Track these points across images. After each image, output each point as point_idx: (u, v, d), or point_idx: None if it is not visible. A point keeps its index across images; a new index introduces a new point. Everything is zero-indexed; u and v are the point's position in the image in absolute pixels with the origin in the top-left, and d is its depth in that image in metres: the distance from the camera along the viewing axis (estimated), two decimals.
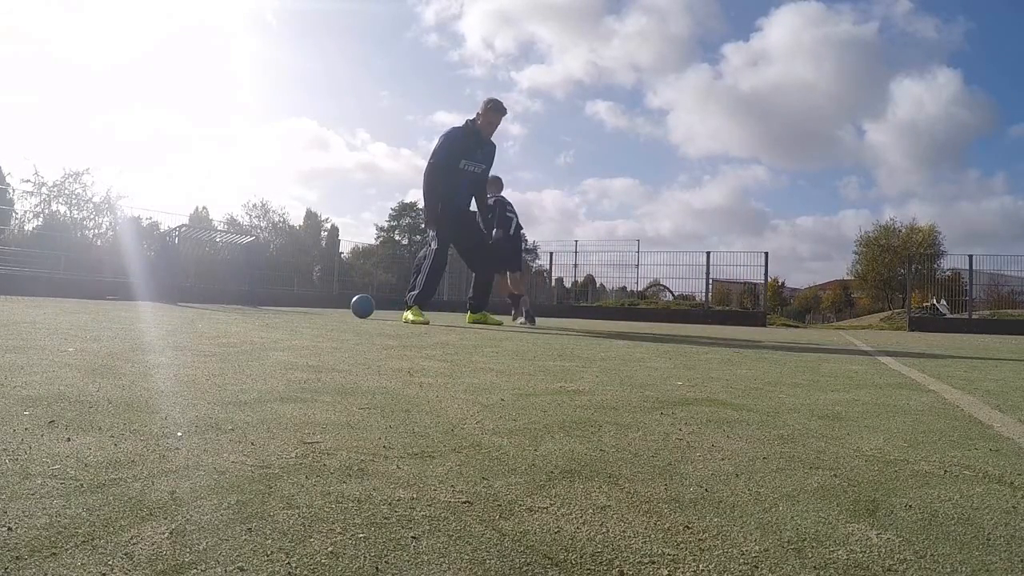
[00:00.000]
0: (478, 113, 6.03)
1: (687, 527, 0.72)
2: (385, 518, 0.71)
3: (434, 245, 6.00)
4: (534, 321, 6.85)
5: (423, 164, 6.02)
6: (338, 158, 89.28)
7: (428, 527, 0.69)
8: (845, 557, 0.65)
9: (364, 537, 0.65)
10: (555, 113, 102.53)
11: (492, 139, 6.17)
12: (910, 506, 0.82)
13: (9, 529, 0.63)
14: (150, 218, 18.99)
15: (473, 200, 6.29)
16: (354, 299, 6.45)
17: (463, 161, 5.94)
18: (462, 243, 6.25)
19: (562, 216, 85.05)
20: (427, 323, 5.69)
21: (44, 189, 22.35)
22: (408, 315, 5.85)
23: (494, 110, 6.01)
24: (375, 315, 6.61)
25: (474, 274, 6.59)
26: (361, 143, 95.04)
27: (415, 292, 5.97)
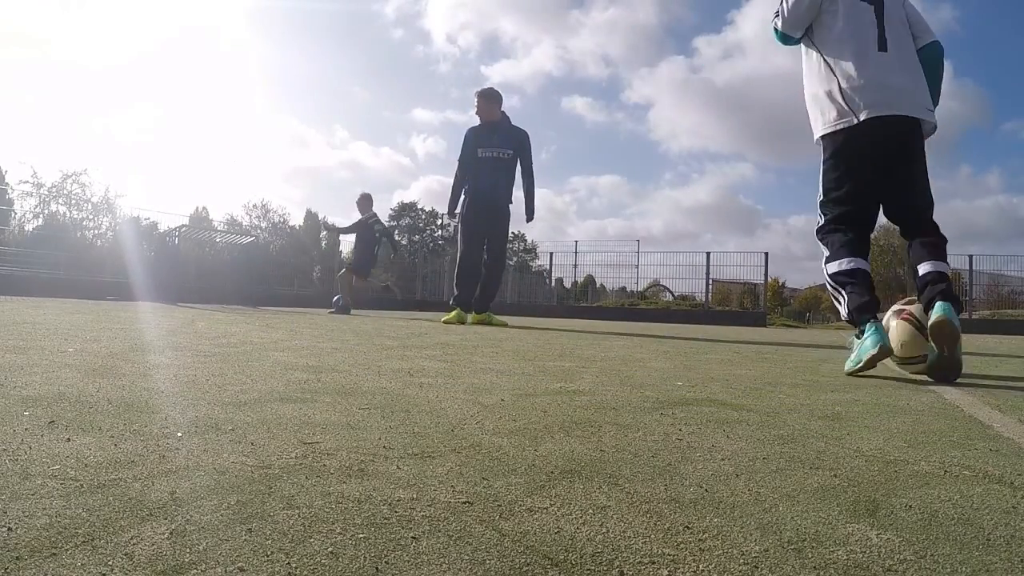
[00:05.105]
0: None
1: (687, 527, 0.72)
2: (385, 518, 0.71)
3: (460, 247, 6.42)
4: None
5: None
6: (319, 156, 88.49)
7: (428, 527, 0.69)
8: (845, 557, 0.65)
9: (364, 537, 0.65)
10: (532, 109, 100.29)
11: (520, 127, 6.51)
12: (910, 506, 0.82)
13: (9, 529, 0.63)
14: (148, 218, 18.94)
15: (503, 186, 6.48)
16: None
17: (480, 150, 6.38)
18: (481, 228, 6.43)
19: (552, 215, 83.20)
20: (463, 323, 6.07)
21: (43, 190, 22.36)
22: (444, 316, 6.33)
23: (481, 96, 6.43)
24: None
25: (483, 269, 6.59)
26: (340, 141, 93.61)
27: (456, 295, 6.47)
